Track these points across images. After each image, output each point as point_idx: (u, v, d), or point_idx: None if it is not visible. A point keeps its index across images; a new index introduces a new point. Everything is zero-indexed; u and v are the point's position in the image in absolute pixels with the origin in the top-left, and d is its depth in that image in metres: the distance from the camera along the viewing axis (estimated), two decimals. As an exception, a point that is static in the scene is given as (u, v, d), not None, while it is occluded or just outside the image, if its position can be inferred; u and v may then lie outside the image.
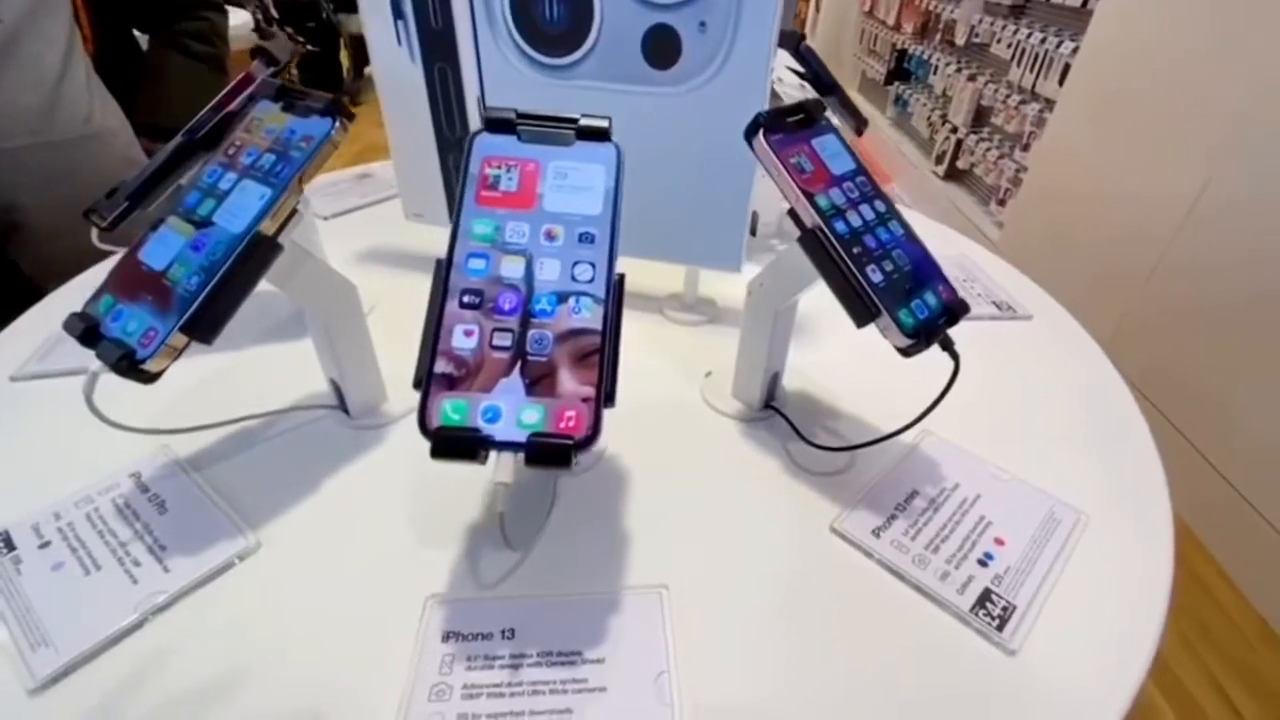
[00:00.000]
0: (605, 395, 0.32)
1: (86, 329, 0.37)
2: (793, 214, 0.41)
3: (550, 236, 0.35)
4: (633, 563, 0.42)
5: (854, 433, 0.51)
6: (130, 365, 0.36)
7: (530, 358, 0.33)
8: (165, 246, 0.39)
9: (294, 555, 0.42)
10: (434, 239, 0.75)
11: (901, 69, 3.02)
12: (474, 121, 0.61)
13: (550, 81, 0.56)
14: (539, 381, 0.32)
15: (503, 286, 0.34)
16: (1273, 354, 1.22)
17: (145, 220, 0.54)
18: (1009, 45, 2.15)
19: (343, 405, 0.52)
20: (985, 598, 0.40)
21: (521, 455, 0.31)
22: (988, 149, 2.29)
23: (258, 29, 2.20)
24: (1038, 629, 0.39)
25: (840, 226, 0.40)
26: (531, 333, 0.33)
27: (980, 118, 2.40)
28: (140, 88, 0.94)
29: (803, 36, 0.62)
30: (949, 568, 0.42)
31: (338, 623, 0.39)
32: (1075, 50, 1.86)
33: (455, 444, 0.31)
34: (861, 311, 0.39)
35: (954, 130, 2.49)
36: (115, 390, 0.56)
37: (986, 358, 0.60)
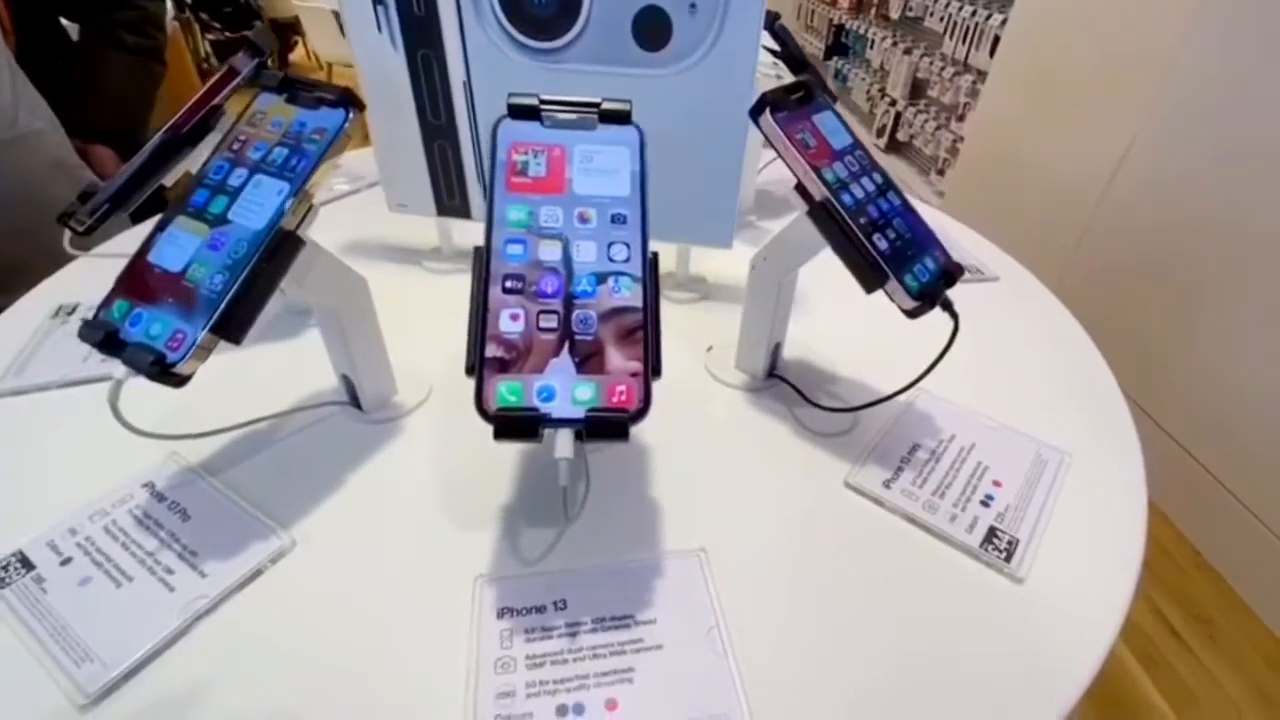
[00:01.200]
0: (652, 369, 0.34)
1: (106, 336, 0.36)
2: (799, 189, 0.44)
3: (583, 219, 0.36)
4: (667, 529, 0.44)
5: (853, 395, 0.54)
6: (162, 369, 0.35)
7: (577, 337, 0.34)
8: (178, 247, 0.38)
9: (331, 551, 0.43)
10: (415, 229, 0.75)
11: (839, 44, 3.09)
12: (460, 108, 0.61)
13: (539, 66, 0.57)
14: (588, 360, 0.34)
15: (543, 270, 0.35)
16: (1194, 309, 1.33)
17: (122, 223, 0.52)
18: (941, 18, 2.22)
19: (354, 401, 0.52)
20: (991, 534, 0.44)
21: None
22: (925, 120, 2.38)
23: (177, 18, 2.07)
24: (1040, 558, 0.43)
25: (847, 199, 0.42)
26: (576, 313, 0.34)
27: (917, 90, 2.48)
28: (72, 84, 0.88)
29: (777, 15, 0.64)
30: (956, 510, 0.45)
31: (389, 611, 0.39)
32: (1004, 22, 1.94)
33: (517, 425, 0.32)
34: (871, 278, 0.42)
35: (893, 103, 2.57)
36: (127, 393, 0.54)
37: (963, 317, 0.64)
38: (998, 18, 1.99)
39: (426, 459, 0.49)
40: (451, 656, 0.37)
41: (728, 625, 0.38)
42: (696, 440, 0.51)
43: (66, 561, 0.41)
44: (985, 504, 0.46)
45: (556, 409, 0.33)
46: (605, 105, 0.38)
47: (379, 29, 0.58)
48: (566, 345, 0.34)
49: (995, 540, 0.43)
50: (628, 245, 0.36)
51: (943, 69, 2.27)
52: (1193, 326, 1.33)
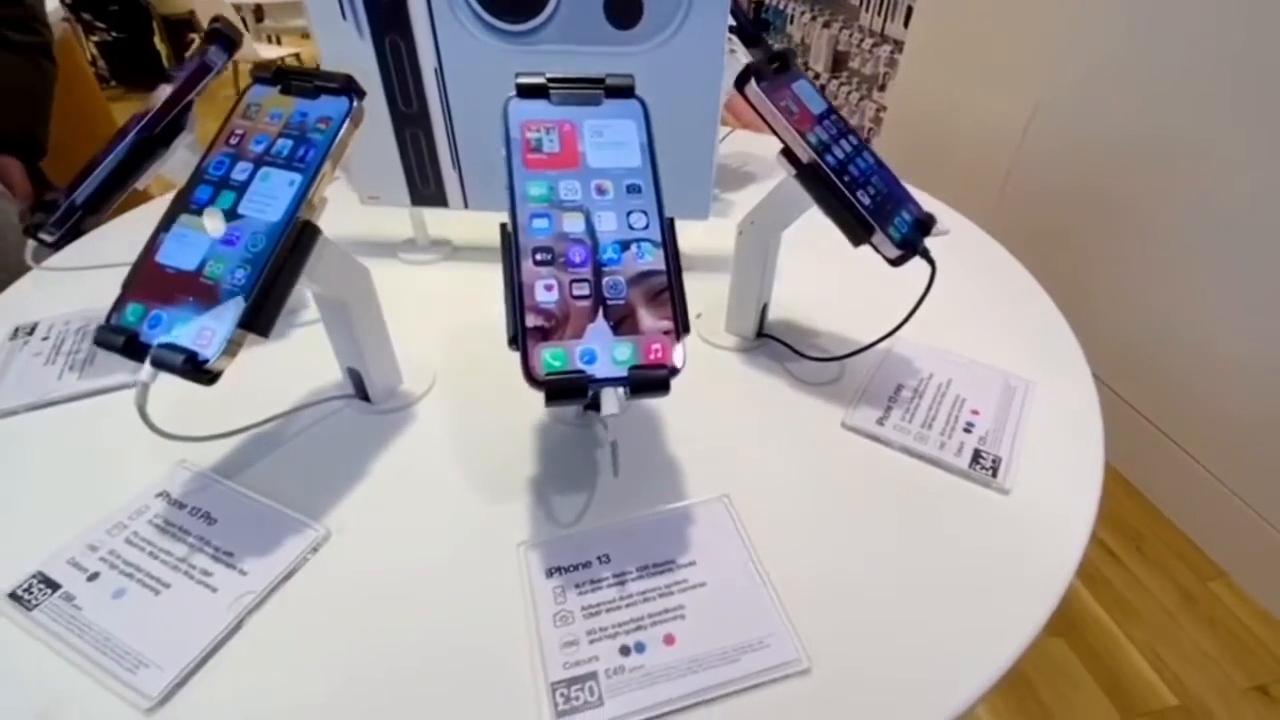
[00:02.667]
0: (682, 326, 0.36)
1: (127, 340, 0.36)
2: (786, 154, 0.47)
3: (601, 191, 0.38)
4: (690, 482, 0.47)
5: (835, 346, 0.58)
6: (195, 368, 0.35)
7: (610, 302, 0.36)
8: (188, 245, 0.38)
9: (369, 537, 0.43)
10: (386, 222, 0.74)
11: (760, 20, 3.15)
12: (431, 95, 0.61)
13: (511, 48, 0.57)
14: (622, 322, 0.36)
15: (569, 241, 0.37)
16: (1104, 253, 1.45)
17: (94, 225, 0.50)
18: (857, -9, 2.31)
19: (361, 393, 0.52)
20: (977, 455, 0.49)
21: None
22: (849, 92, 2.47)
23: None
24: (1020, 472, 0.48)
25: (830, 160, 0.46)
26: (605, 280, 0.36)
27: (839, 63, 2.57)
28: None
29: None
30: (944, 438, 0.50)
31: (440, 584, 0.41)
32: (916, -8, 2.04)
33: (566, 388, 0.34)
34: (859, 232, 0.45)
35: (816, 76, 2.65)
36: (114, 407, 0.53)
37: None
38: (909, -12, 2.08)
39: (444, 442, 0.50)
40: (510, 617, 0.38)
41: (759, 558, 0.41)
42: (701, 400, 0.54)
43: (94, 577, 0.40)
44: (968, 430, 0.51)
45: (600, 370, 0.35)
46: (609, 80, 0.39)
47: (343, 16, 0.57)
48: (601, 310, 0.36)
49: (981, 460, 0.48)
50: (645, 213, 0.38)
51: (861, 41, 2.36)
52: (1102, 268, 1.46)
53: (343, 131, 0.39)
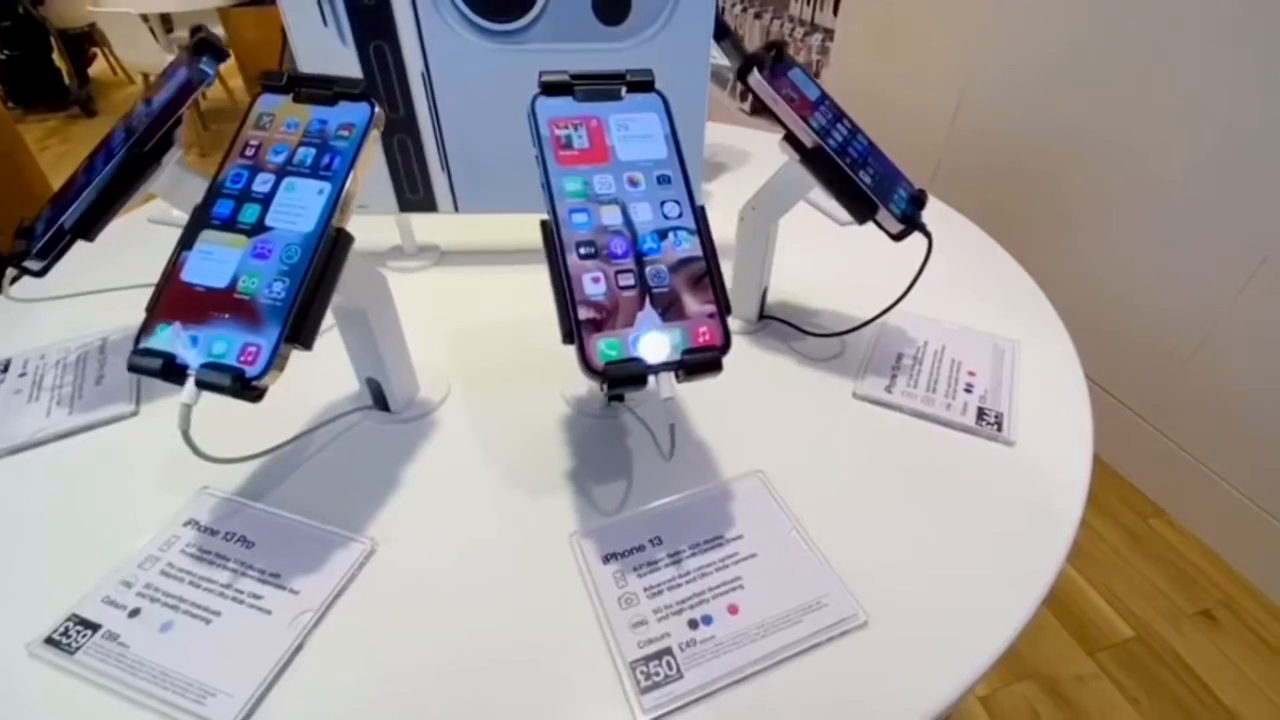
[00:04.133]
0: (724, 309, 0.38)
1: (165, 364, 0.35)
2: (789, 139, 0.49)
3: (633, 183, 0.39)
4: (722, 462, 0.48)
5: (833, 323, 0.61)
6: (243, 386, 0.34)
7: (655, 290, 0.37)
8: (215, 262, 0.37)
9: (418, 544, 0.43)
10: (369, 229, 0.71)
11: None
12: (419, 99, 0.60)
13: (501, 48, 0.57)
14: (669, 309, 0.37)
15: (610, 234, 0.38)
16: (1036, 224, 1.55)
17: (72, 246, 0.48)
18: (786, -18, 2.37)
19: (380, 404, 0.51)
20: (981, 413, 0.52)
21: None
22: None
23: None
24: (1021, 425, 0.51)
25: (831, 143, 0.48)
26: (648, 269, 0.37)
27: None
28: None
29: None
30: (948, 400, 0.53)
31: (499, 580, 0.41)
32: (844, -17, 2.11)
33: (626, 375, 0.35)
34: (864, 210, 0.48)
35: (726, 68, 2.71)
36: (113, 440, 0.50)
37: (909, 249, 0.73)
38: (837, -22, 2.15)
39: (473, 445, 0.50)
40: (575, 604, 0.39)
41: (802, 525, 0.44)
42: (717, 383, 0.55)
43: (135, 613, 0.39)
44: (968, 390, 0.54)
45: (653, 356, 0.36)
46: (630, 75, 0.40)
47: (324, 23, 0.56)
48: (647, 299, 0.37)
49: (985, 416, 0.52)
50: (678, 202, 0.39)
51: (794, 30, 2.42)
52: (1034, 242, 1.56)
53: (368, 137, 0.39)
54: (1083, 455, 0.49)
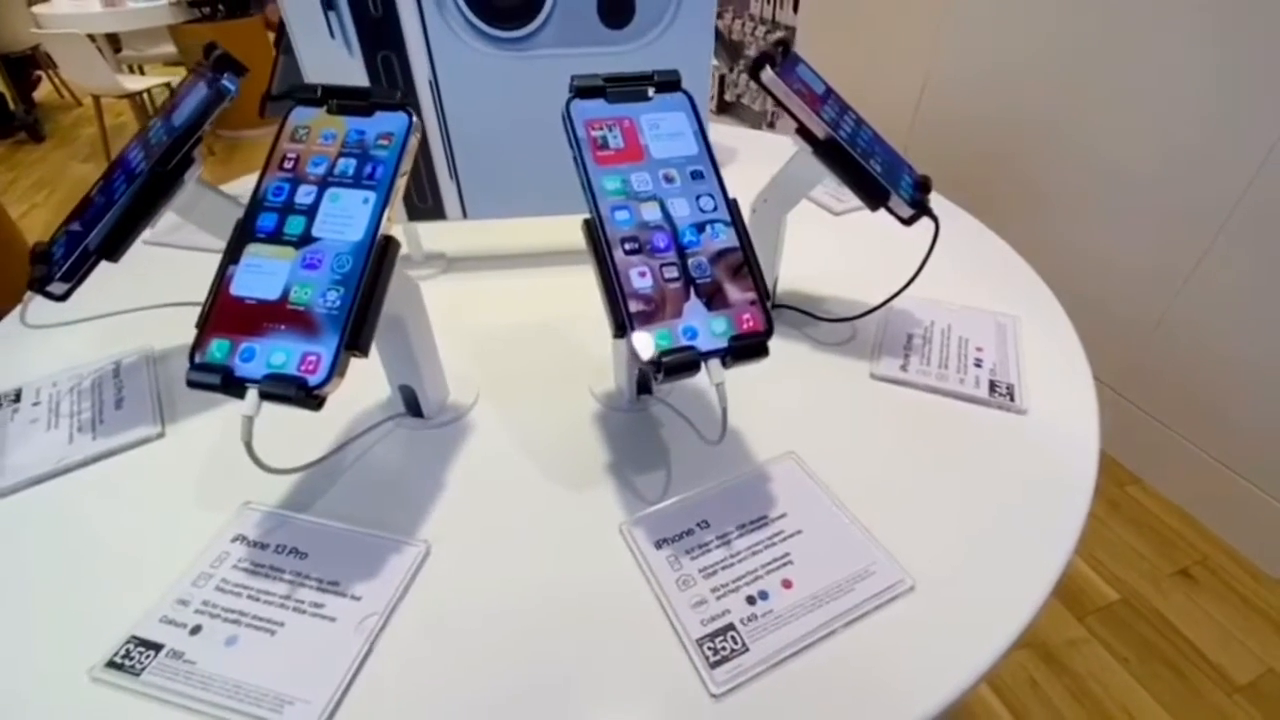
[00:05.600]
0: (764, 296, 0.39)
1: (224, 378, 0.35)
2: (801, 131, 0.51)
3: (668, 180, 0.41)
4: (755, 446, 0.50)
5: (841, 309, 0.63)
6: (306, 394, 0.35)
7: (698, 281, 0.39)
8: (264, 275, 0.37)
9: (472, 544, 0.44)
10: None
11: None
12: (427, 108, 0.60)
13: (508, 55, 0.58)
14: (713, 298, 0.38)
15: (651, 229, 0.39)
16: (1003, 218, 1.61)
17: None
18: (746, -17, 2.41)
19: (413, 410, 0.52)
20: (993, 385, 0.55)
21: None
22: (749, 80, 2.57)
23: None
24: (1030, 393, 0.54)
25: (842, 134, 0.50)
26: (690, 261, 0.39)
27: (734, 52, 2.67)
28: None
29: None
30: (960, 375, 0.56)
31: (557, 576, 0.42)
32: (803, -19, 2.15)
33: (680, 363, 0.36)
34: (878, 196, 0.50)
35: (715, 67, 2.75)
36: (141, 462, 0.50)
37: (899, 231, 0.76)
38: (796, -23, 2.20)
39: (509, 445, 0.51)
40: (635, 589, 0.40)
41: (840, 500, 0.45)
42: (742, 373, 0.57)
43: (196, 630, 0.38)
44: (978, 365, 0.57)
45: (703, 343, 0.37)
46: (658, 76, 0.42)
47: (331, 35, 0.56)
48: (692, 290, 0.38)
49: (996, 388, 0.54)
50: (711, 196, 0.41)
51: (755, 29, 2.47)
52: (997, 220, 1.62)
53: (408, 146, 0.39)
54: (1090, 421, 0.52)
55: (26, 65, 3.18)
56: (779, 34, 2.38)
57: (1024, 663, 1.25)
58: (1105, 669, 1.24)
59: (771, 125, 2.57)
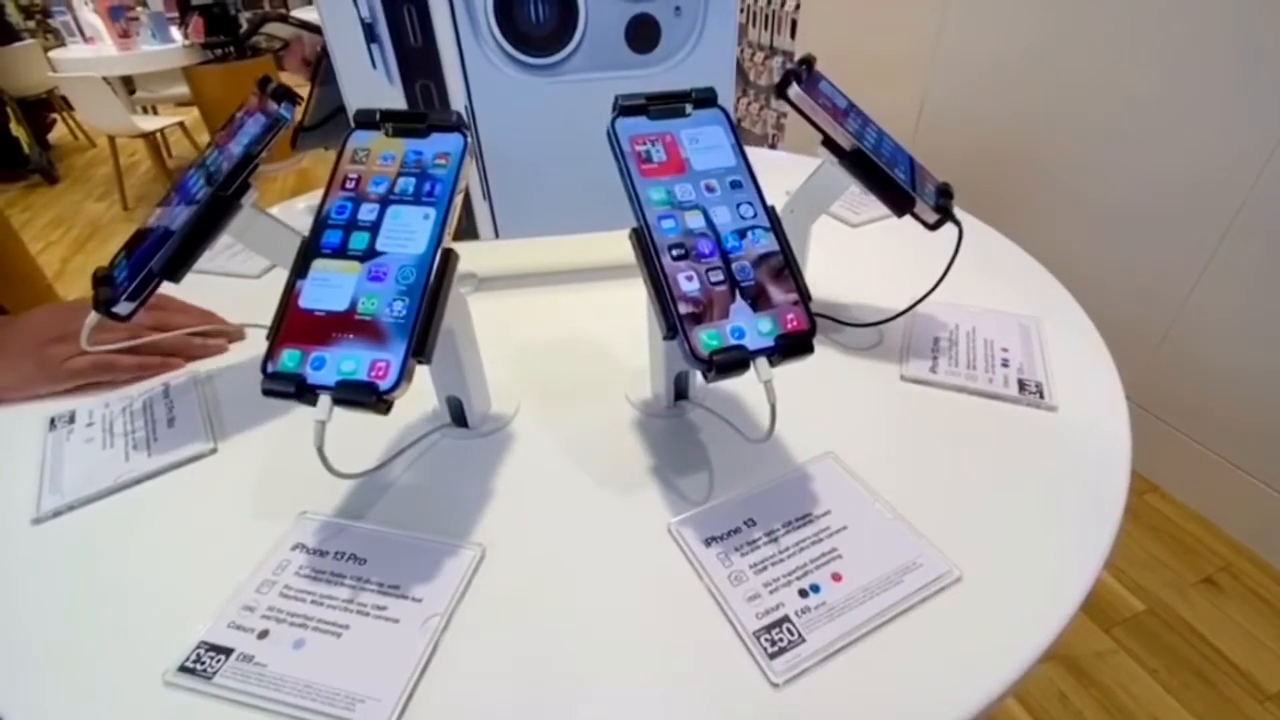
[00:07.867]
0: (805, 296, 0.41)
1: (298, 386, 0.36)
2: (828, 143, 0.53)
3: (710, 190, 0.43)
4: (792, 447, 0.51)
5: (866, 315, 0.65)
6: (377, 399, 0.36)
7: (743, 284, 0.40)
8: (331, 288, 0.39)
9: (525, 546, 0.45)
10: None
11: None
12: (461, 133, 0.63)
13: (539, 80, 0.61)
14: (757, 300, 0.40)
15: (696, 236, 0.41)
16: (1005, 234, 1.64)
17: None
18: (742, 9, 2.48)
19: (458, 421, 0.53)
20: (1022, 384, 0.56)
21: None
22: (749, 103, 2.63)
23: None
24: (1059, 391, 0.56)
25: (866, 144, 0.52)
26: (734, 265, 0.41)
27: (743, 78, 2.74)
28: None
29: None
30: (989, 375, 0.57)
31: (610, 570, 0.43)
32: (798, 7, 2.22)
33: (731, 361, 0.38)
34: (904, 203, 0.52)
35: (716, 93, 2.81)
36: (197, 477, 0.51)
37: (915, 240, 0.78)
38: (791, 3, 2.27)
39: (553, 452, 0.52)
40: (688, 585, 0.41)
41: (881, 496, 0.46)
42: (777, 378, 0.59)
43: (264, 635, 0.39)
44: (1005, 365, 0.58)
45: (750, 342, 0.39)
46: (695, 94, 0.44)
47: (373, 65, 0.59)
48: (737, 292, 0.40)
49: (1026, 387, 0.56)
50: (751, 204, 0.43)
51: (754, 55, 2.53)
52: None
53: (464, 164, 0.41)
54: (1120, 417, 0.53)
55: (41, 108, 3.26)
56: (778, 58, 2.44)
57: (1052, 676, 1.24)
58: (1134, 680, 1.23)
59: (773, 146, 2.62)
